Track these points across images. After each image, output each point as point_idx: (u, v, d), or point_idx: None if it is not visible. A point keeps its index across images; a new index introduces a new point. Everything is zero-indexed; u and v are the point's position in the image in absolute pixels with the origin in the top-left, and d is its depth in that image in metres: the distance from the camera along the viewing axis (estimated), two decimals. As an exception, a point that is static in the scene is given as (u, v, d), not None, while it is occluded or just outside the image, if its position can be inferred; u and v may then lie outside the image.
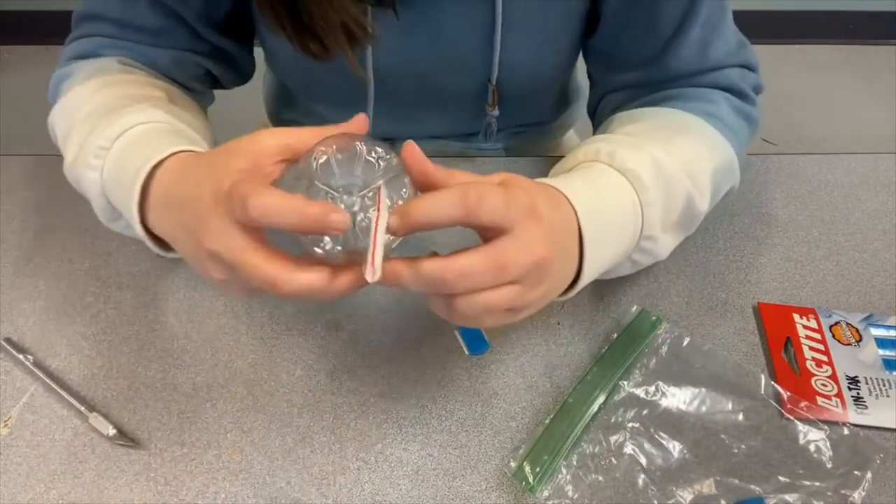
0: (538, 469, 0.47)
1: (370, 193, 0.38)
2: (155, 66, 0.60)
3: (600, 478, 0.48)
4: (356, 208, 0.38)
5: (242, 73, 0.71)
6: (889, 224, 0.65)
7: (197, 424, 0.51)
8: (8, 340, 0.56)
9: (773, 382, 0.52)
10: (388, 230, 0.37)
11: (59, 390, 0.52)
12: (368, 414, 0.52)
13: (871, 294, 0.59)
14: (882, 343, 0.55)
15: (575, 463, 0.48)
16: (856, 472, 0.47)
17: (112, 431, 0.50)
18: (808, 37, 2.24)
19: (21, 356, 0.54)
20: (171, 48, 0.61)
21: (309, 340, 0.56)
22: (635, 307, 0.57)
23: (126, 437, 0.50)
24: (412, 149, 0.40)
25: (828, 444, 0.49)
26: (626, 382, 0.52)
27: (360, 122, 0.42)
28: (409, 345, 0.56)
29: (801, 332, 0.55)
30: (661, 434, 0.50)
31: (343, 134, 0.41)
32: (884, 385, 0.52)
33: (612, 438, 0.49)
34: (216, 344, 0.56)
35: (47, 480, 0.48)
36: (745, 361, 0.54)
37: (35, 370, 0.53)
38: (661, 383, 0.52)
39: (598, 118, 0.68)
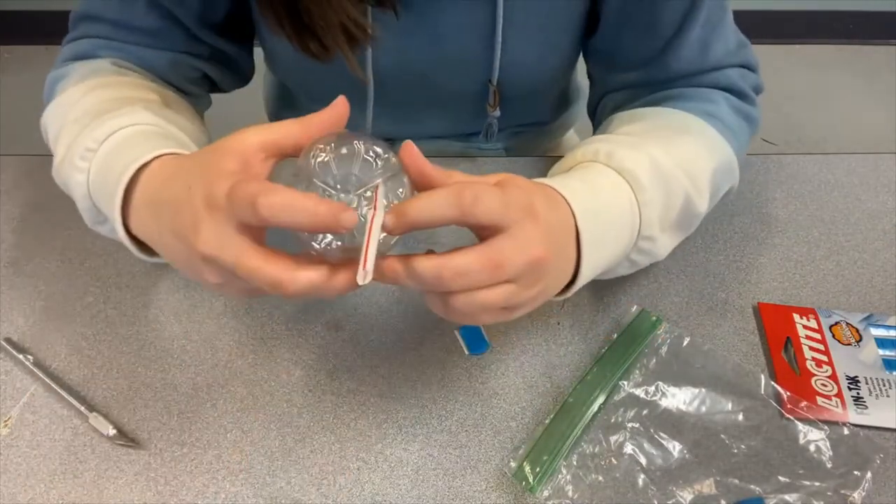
0: (538, 469, 0.47)
1: (367, 192, 0.38)
2: (151, 68, 0.60)
3: (600, 478, 0.48)
4: (353, 206, 0.38)
5: (242, 75, 0.71)
6: (889, 224, 0.65)
7: (197, 424, 0.51)
8: (8, 340, 0.56)
9: (773, 382, 0.52)
10: (385, 229, 0.37)
11: (59, 390, 0.52)
12: (368, 414, 0.52)
13: (871, 294, 0.59)
14: (882, 343, 0.55)
15: (575, 463, 0.48)
16: (856, 472, 0.47)
17: (112, 431, 0.50)
18: (808, 37, 2.24)
19: (21, 356, 0.54)
20: (167, 50, 0.60)
21: (309, 340, 0.56)
22: (635, 307, 0.57)
23: (126, 437, 0.50)
24: (410, 148, 0.40)
25: (828, 444, 0.49)
26: (626, 382, 0.52)
27: (339, 108, 0.41)
28: (409, 345, 0.56)
29: (801, 332, 0.55)
30: (661, 434, 0.50)
31: (342, 132, 0.41)
32: (884, 385, 0.52)
33: (612, 438, 0.49)
34: (216, 344, 0.56)
35: (47, 480, 0.48)
36: (745, 361, 0.54)
37: (35, 370, 0.53)
38: (661, 383, 0.52)
39: (598, 118, 0.68)
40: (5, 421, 0.51)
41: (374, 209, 0.37)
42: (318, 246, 0.38)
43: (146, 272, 0.60)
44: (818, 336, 0.55)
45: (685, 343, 0.55)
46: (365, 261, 0.36)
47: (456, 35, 0.61)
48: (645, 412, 0.51)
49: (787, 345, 0.55)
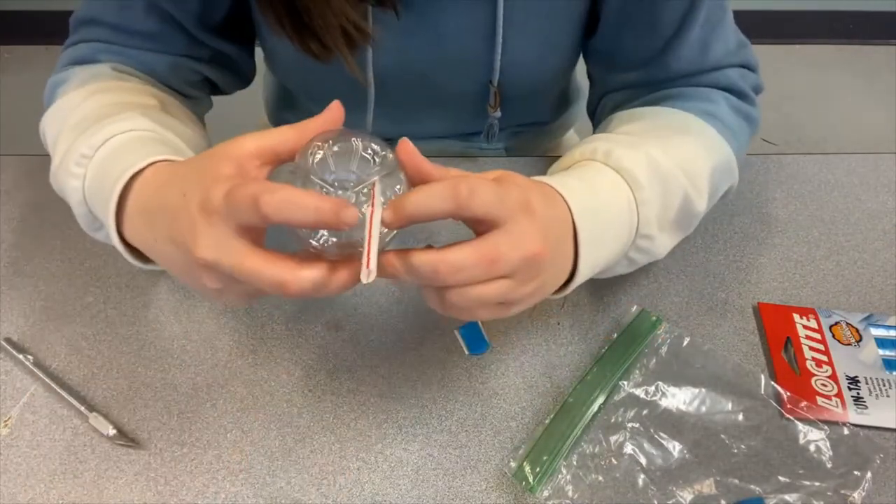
0: (538, 469, 0.47)
1: (365, 189, 0.39)
2: (151, 71, 0.60)
3: (600, 478, 0.48)
4: (352, 203, 0.38)
5: (243, 77, 0.71)
6: (889, 224, 0.65)
7: (197, 424, 0.51)
8: (8, 340, 0.56)
9: (773, 382, 0.52)
10: (382, 223, 0.37)
11: (59, 390, 0.52)
12: (368, 414, 0.52)
13: (871, 294, 0.59)
14: (882, 343, 0.55)
15: (575, 463, 0.48)
16: (856, 472, 0.47)
17: (112, 431, 0.50)
18: (808, 37, 2.24)
19: (21, 356, 0.54)
20: (167, 53, 0.60)
21: (309, 340, 0.56)
22: (635, 307, 0.57)
23: (126, 437, 0.50)
24: (407, 146, 0.40)
25: (828, 444, 0.49)
26: (626, 382, 0.52)
27: (335, 112, 0.41)
28: (409, 345, 0.56)
29: (801, 332, 0.56)
30: (661, 434, 0.50)
31: (340, 129, 0.41)
32: (884, 385, 0.52)
33: (612, 438, 0.49)
34: (216, 344, 0.56)
35: (47, 480, 0.48)
36: (745, 361, 0.54)
37: (35, 370, 0.53)
38: (661, 383, 0.52)
39: (598, 118, 0.68)
40: (5, 421, 0.51)
41: (373, 206, 0.37)
42: (315, 243, 0.38)
43: (146, 272, 0.60)
44: (818, 336, 0.55)
45: (685, 343, 0.55)
46: (368, 260, 0.36)
47: (456, 35, 0.61)
48: (645, 412, 0.51)
49: (787, 345, 0.55)
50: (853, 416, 0.50)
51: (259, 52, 0.71)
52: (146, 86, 0.59)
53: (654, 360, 0.54)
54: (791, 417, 0.50)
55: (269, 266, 0.37)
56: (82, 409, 0.51)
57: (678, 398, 0.52)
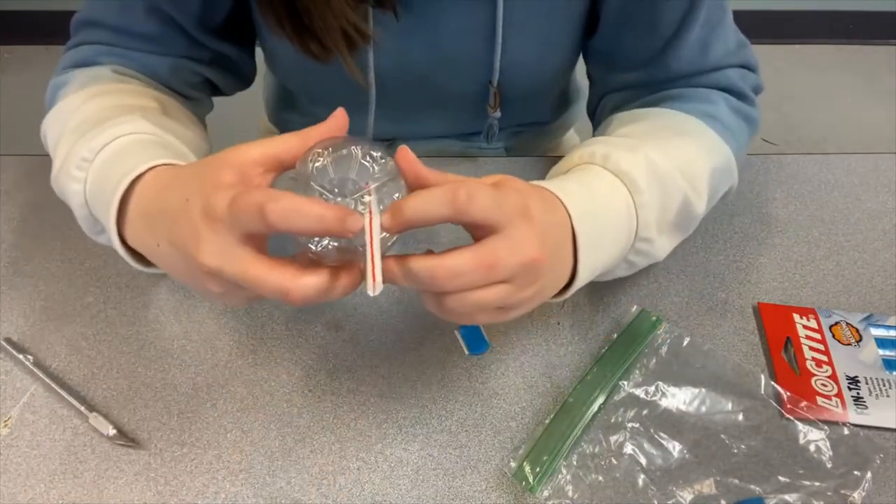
0: (538, 469, 0.47)
1: (364, 196, 0.39)
2: (152, 74, 0.60)
3: (600, 478, 0.48)
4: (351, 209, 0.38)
5: (244, 78, 0.71)
6: (889, 224, 0.65)
7: (197, 424, 0.51)
8: (8, 340, 0.56)
9: (773, 382, 0.52)
10: (381, 228, 0.37)
11: (59, 390, 0.52)
12: (368, 414, 0.52)
13: (871, 294, 0.59)
14: (882, 343, 0.55)
15: (575, 463, 0.48)
16: (856, 472, 0.47)
17: (112, 431, 0.50)
18: (808, 37, 2.24)
19: (21, 356, 0.54)
20: (168, 55, 0.60)
21: (309, 340, 0.56)
22: (635, 307, 0.57)
23: (126, 437, 0.50)
24: (406, 153, 0.40)
25: (828, 444, 0.49)
26: (626, 382, 0.52)
27: (339, 119, 0.42)
28: (409, 345, 0.56)
29: (801, 332, 0.56)
30: (661, 434, 0.50)
31: (340, 136, 0.41)
32: (884, 385, 0.52)
33: (612, 438, 0.49)
34: (216, 344, 0.56)
35: (47, 480, 0.48)
36: (745, 361, 0.54)
37: (35, 370, 0.53)
38: (661, 383, 0.52)
39: (598, 118, 0.68)
40: (5, 421, 0.51)
41: (371, 214, 0.37)
42: (314, 247, 0.38)
43: (147, 274, 0.60)
44: (818, 336, 0.55)
45: (685, 343, 0.55)
46: (374, 273, 0.36)
47: (456, 36, 0.61)
48: (645, 412, 0.51)
49: (787, 345, 0.55)
50: (853, 416, 0.50)
51: (259, 53, 0.71)
52: (147, 88, 0.59)
53: (654, 360, 0.54)
54: (791, 417, 0.50)
55: (272, 274, 0.37)
56: (82, 409, 0.51)
57: (678, 398, 0.52)
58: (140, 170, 0.45)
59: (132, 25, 0.58)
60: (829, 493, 0.46)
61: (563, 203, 0.45)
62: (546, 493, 0.47)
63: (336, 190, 0.39)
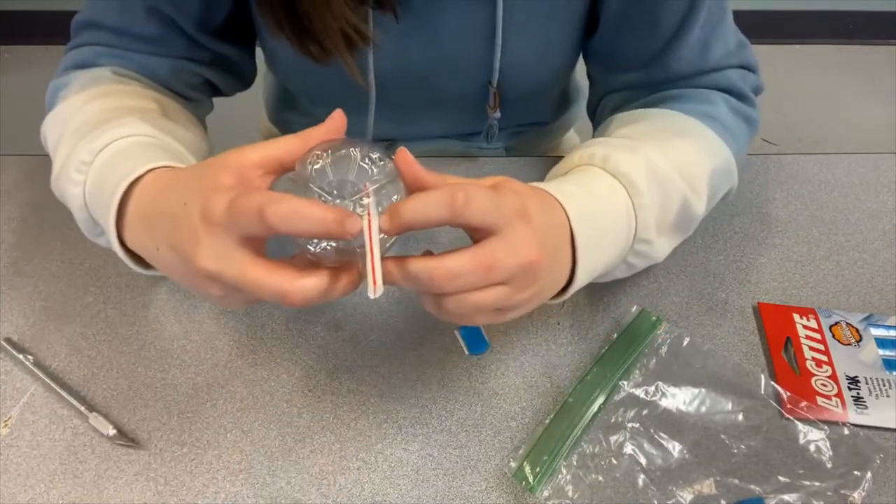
0: (538, 469, 0.47)
1: (363, 198, 0.39)
2: (153, 75, 0.60)
3: (600, 478, 0.48)
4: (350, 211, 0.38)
5: (244, 79, 0.71)
6: (889, 224, 0.65)
7: (197, 424, 0.51)
8: (8, 340, 0.56)
9: (773, 382, 0.52)
10: (379, 230, 0.37)
11: (59, 390, 0.52)
12: (368, 414, 0.52)
13: (871, 294, 0.59)
14: (882, 343, 0.55)
15: (575, 463, 0.48)
16: (856, 472, 0.47)
17: (112, 431, 0.50)
18: (808, 37, 2.24)
19: (21, 356, 0.54)
20: (168, 57, 0.60)
21: (309, 340, 0.56)
22: (635, 307, 0.57)
23: (126, 437, 0.50)
24: (405, 155, 0.40)
25: (828, 444, 0.49)
26: (625, 382, 0.52)
27: (337, 120, 0.42)
28: (409, 345, 0.56)
29: (801, 332, 0.56)
30: (661, 434, 0.50)
31: (339, 138, 0.41)
32: (884, 385, 0.52)
33: (612, 438, 0.49)
34: (216, 344, 0.56)
35: (47, 480, 0.48)
36: (745, 361, 0.54)
37: (35, 370, 0.53)
38: (661, 383, 0.52)
39: (598, 118, 0.68)
40: (5, 421, 0.51)
41: (369, 216, 0.37)
42: (313, 248, 0.38)
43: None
44: (818, 336, 0.55)
45: (685, 343, 0.55)
46: (374, 276, 0.36)
47: (456, 37, 0.61)
48: (645, 412, 0.51)
49: (787, 345, 0.55)
50: (853, 416, 0.50)
51: (259, 53, 0.71)
52: (147, 90, 0.59)
53: (654, 360, 0.54)
54: (791, 417, 0.50)
55: (271, 277, 0.37)
56: (82, 409, 0.51)
57: (678, 398, 0.52)
58: (139, 172, 0.45)
59: (132, 27, 0.58)
60: (829, 493, 0.46)
61: (561, 205, 0.45)
62: (546, 493, 0.47)
63: (335, 192, 0.39)
